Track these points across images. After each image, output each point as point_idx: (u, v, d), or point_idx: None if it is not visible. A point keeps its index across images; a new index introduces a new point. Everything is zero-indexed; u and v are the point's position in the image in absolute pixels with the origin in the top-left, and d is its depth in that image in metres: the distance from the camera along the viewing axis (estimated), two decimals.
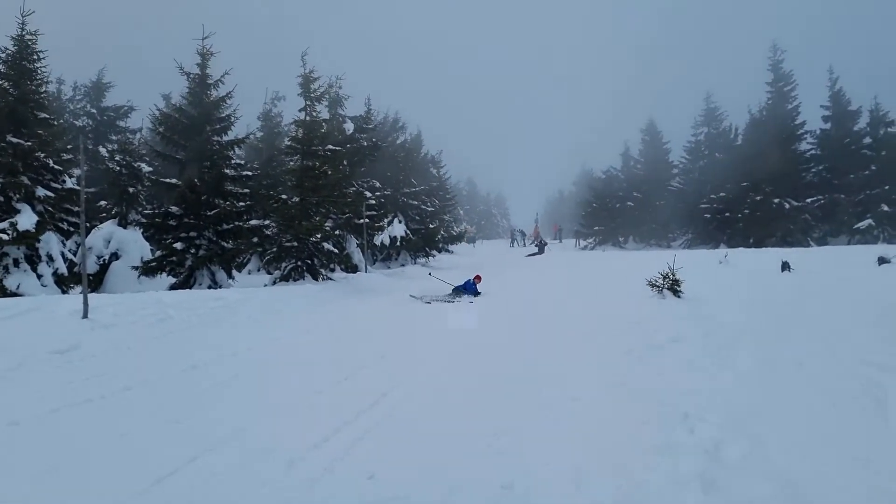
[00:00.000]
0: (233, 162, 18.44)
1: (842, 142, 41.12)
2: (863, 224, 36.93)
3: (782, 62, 43.73)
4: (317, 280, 18.33)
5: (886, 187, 36.82)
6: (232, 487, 4.17)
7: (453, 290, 16.11)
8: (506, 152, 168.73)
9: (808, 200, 38.87)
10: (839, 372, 6.39)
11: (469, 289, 16.20)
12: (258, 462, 4.58)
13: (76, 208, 16.01)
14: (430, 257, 32.08)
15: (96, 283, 17.73)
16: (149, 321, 10.18)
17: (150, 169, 20.31)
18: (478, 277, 17.25)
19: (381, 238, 28.52)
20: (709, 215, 44.08)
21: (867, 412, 5.22)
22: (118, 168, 19.11)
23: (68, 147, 18.05)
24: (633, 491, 3.94)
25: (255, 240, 19.29)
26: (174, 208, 17.02)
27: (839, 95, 42.17)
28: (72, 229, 16.90)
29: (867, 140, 40.91)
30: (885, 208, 36.49)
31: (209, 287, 16.72)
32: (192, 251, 16.87)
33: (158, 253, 17.53)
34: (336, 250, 19.85)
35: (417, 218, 31.84)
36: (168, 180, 17.52)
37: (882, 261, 17.82)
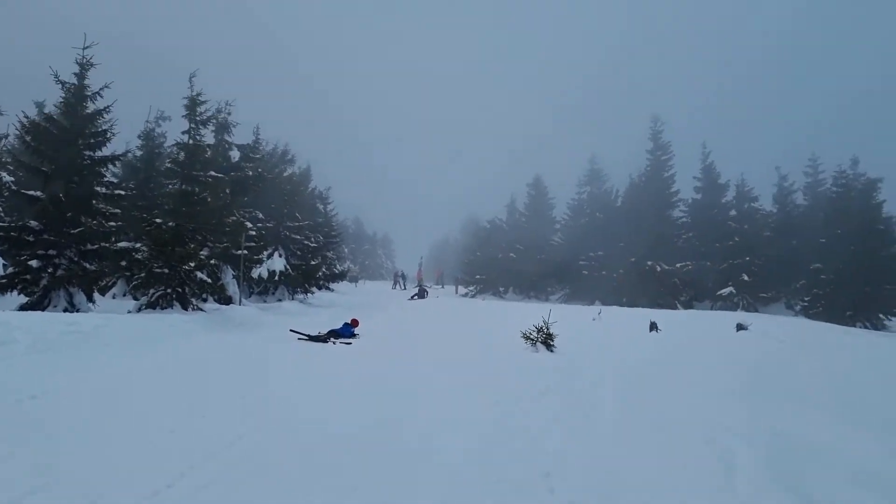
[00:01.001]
0: (105, 179, 17.42)
1: (710, 212, 44.06)
2: (725, 291, 39.35)
3: (661, 132, 46.50)
4: (186, 310, 17.48)
5: (747, 258, 39.54)
6: None
7: (329, 332, 15.65)
8: (395, 194, 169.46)
9: (678, 265, 41.09)
10: (695, 436, 6.58)
11: (345, 332, 15.83)
12: None
13: None
14: (309, 293, 31.40)
15: None
16: None
17: (12, 179, 18.89)
18: (354, 321, 16.90)
19: (260, 271, 27.65)
20: (586, 272, 45.79)
21: (717, 477, 5.37)
22: None
23: None
24: None
25: (124, 263, 18.22)
26: (33, 223, 15.82)
27: (710, 168, 45.31)
28: None
29: (732, 213, 44.06)
30: (745, 278, 39.12)
31: (65, 310, 15.55)
32: (50, 270, 15.66)
33: (10, 270, 16.22)
34: (209, 280, 19.02)
35: (299, 253, 31.15)
36: (30, 192, 16.32)
37: (740, 327, 18.92)
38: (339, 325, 16.43)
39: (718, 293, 39.86)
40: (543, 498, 4.69)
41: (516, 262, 49.35)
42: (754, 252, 40.02)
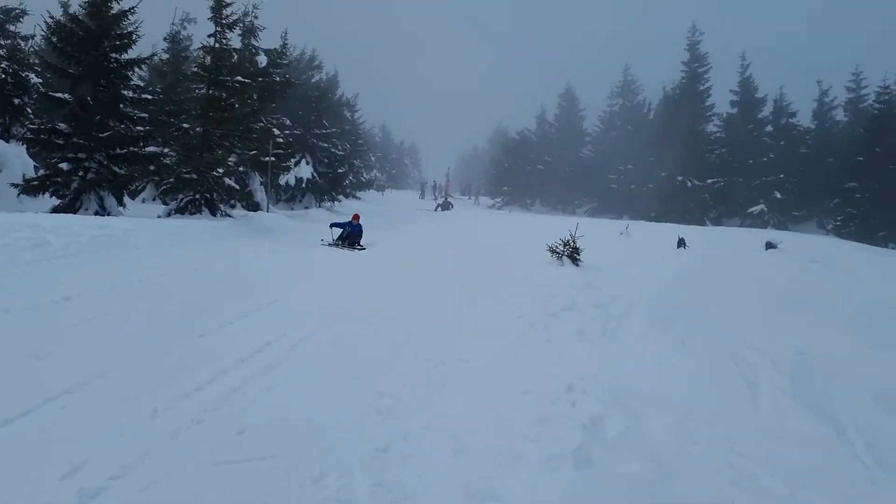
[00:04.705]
0: (132, 83, 17.26)
1: (745, 127, 42.96)
2: (756, 209, 38.79)
3: (699, 43, 44.94)
4: (214, 215, 17.64)
5: (781, 175, 38.74)
6: (86, 433, 3.87)
7: (342, 235, 15.77)
8: (423, 102, 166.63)
9: (709, 181, 40.46)
10: (719, 352, 6.59)
11: (354, 230, 15.90)
12: (119, 409, 4.28)
13: None
14: (335, 201, 31.53)
15: None
16: (22, 245, 9.42)
17: (40, 81, 18.82)
18: (355, 216, 16.61)
19: (287, 178, 27.74)
20: (615, 186, 45.31)
21: (740, 395, 5.40)
22: (3, 76, 17.59)
23: None
24: (510, 463, 3.89)
25: (152, 168, 18.31)
26: (62, 125, 15.82)
27: (748, 82, 43.90)
28: None
29: (769, 129, 42.94)
30: (778, 195, 38.45)
31: (97, 213, 15.72)
32: (80, 173, 15.77)
33: (42, 172, 16.37)
34: (237, 186, 19.14)
35: (326, 161, 31.10)
36: (59, 95, 16.25)
37: (769, 246, 18.72)
38: (344, 222, 16.39)
39: (749, 210, 39.35)
40: (565, 411, 4.72)
41: (544, 174, 48.99)
42: (789, 169, 39.17)
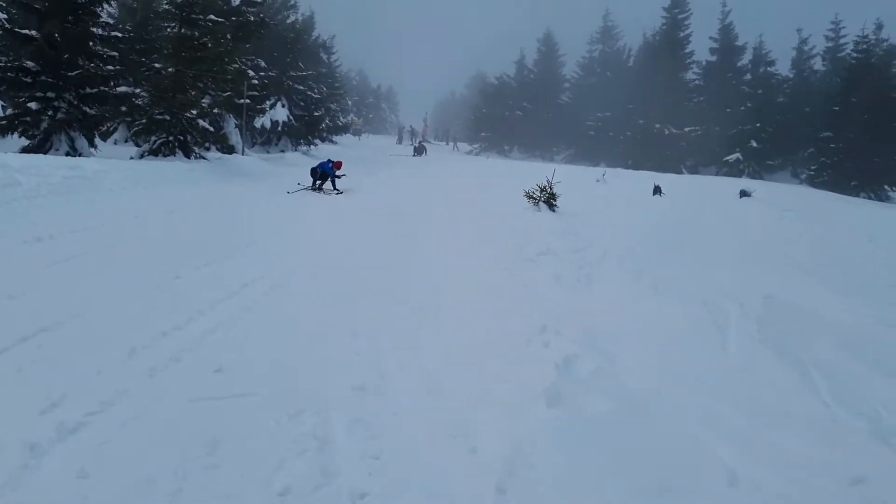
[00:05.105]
0: (101, 20, 16.72)
1: (724, 75, 42.78)
2: (731, 157, 38.96)
3: None
4: (189, 158, 17.38)
5: (758, 124, 38.75)
6: (63, 371, 3.88)
7: (317, 178, 15.50)
8: (401, 46, 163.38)
9: (687, 129, 40.46)
10: (691, 298, 6.69)
11: (326, 168, 15.67)
12: (96, 348, 4.28)
13: None
14: (312, 145, 31.16)
15: None
16: None
17: (5, 16, 18.18)
18: (337, 164, 16.23)
19: (262, 121, 27.30)
20: (593, 133, 45.22)
21: (709, 337, 5.51)
22: None
23: None
24: (484, 401, 3.97)
25: (124, 108, 17.93)
26: (30, 63, 15.37)
27: (728, 29, 43.63)
28: None
29: (747, 77, 42.82)
30: (754, 144, 38.55)
31: (67, 154, 15.40)
32: (50, 113, 15.39)
33: (10, 111, 15.94)
34: (212, 129, 18.82)
35: (302, 104, 30.62)
36: (25, 31, 15.72)
37: (743, 194, 18.92)
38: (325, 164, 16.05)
39: (725, 159, 39.50)
40: (539, 352, 4.81)
41: (523, 120, 48.66)
42: (765, 118, 39.22)
